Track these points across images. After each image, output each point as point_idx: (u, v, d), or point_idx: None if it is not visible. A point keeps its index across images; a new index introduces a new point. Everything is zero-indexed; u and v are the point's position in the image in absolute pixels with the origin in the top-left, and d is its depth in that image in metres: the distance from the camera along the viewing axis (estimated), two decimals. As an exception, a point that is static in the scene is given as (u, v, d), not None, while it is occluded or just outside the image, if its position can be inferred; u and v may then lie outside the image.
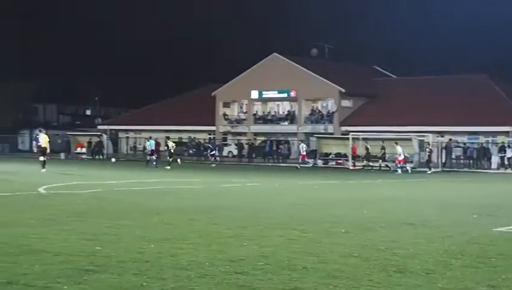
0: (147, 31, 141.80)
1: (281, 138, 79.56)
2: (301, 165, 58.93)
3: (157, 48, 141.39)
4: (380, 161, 56.06)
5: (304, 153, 61.27)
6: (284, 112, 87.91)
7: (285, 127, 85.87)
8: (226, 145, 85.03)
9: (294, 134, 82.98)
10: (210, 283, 8.92)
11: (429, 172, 52.04)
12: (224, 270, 9.77)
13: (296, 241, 12.82)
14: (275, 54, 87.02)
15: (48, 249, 11.22)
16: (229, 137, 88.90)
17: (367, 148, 57.81)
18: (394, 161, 53.58)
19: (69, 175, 36.72)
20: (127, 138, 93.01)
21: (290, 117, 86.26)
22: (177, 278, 9.13)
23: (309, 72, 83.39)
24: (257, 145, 78.61)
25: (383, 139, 58.85)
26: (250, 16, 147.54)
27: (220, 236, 13.29)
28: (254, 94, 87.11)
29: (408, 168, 51.95)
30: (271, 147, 74.50)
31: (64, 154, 74.11)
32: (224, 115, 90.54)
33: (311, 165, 60.78)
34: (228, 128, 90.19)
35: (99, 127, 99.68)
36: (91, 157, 72.57)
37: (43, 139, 41.20)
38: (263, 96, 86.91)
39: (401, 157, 51.66)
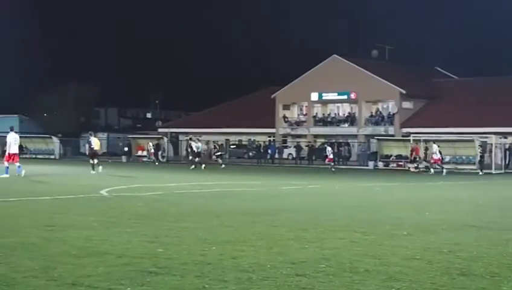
0: (202, 34, 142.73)
1: (341, 140, 79.26)
2: (334, 168, 58.55)
3: (214, 50, 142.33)
4: (424, 162, 55.65)
5: (331, 157, 60.15)
6: (344, 114, 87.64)
7: (345, 129, 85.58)
8: (285, 147, 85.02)
9: (355, 136, 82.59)
10: (272, 285, 8.91)
11: (481, 173, 51.61)
12: (285, 272, 9.75)
13: (358, 243, 12.74)
14: (334, 55, 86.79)
15: (110, 251, 11.33)
16: (289, 139, 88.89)
17: (412, 149, 57.47)
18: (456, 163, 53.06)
19: (130, 178, 37.09)
20: (187, 141, 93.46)
21: (350, 119, 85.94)
22: (239, 281, 9.14)
23: (369, 73, 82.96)
24: (317, 147, 78.47)
25: (426, 141, 58.35)
26: (310, 18, 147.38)
27: (281, 238, 13.26)
28: (314, 96, 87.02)
29: (444, 169, 51.08)
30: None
31: (125, 157, 74.89)
32: (284, 117, 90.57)
33: (334, 170, 59.71)
34: (288, 130, 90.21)
35: (160, 130, 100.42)
36: (152, 160, 73.12)
37: (95, 143, 43.05)
38: (323, 98, 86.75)
39: (437, 157, 51.07)
